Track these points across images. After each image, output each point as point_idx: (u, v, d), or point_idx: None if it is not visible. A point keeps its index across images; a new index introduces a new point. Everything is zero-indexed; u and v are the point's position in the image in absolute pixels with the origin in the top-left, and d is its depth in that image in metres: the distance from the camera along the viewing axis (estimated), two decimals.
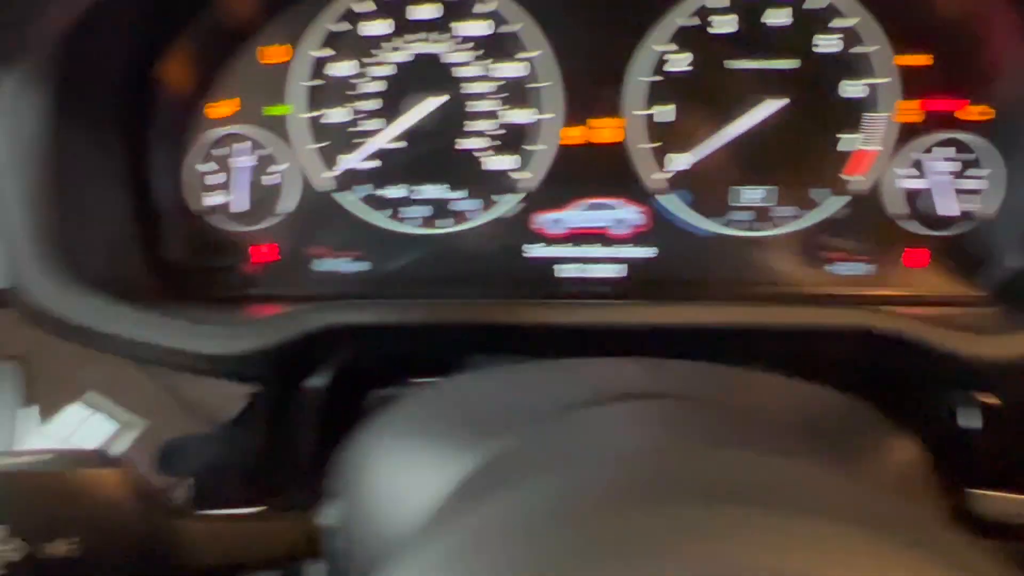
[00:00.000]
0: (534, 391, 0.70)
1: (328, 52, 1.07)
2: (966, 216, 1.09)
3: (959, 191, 1.08)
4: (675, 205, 1.10)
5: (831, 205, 1.09)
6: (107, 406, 0.93)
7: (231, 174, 1.08)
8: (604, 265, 1.11)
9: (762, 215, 1.10)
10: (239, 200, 1.08)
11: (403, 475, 0.70)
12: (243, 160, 1.08)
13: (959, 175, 1.08)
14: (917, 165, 1.08)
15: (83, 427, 0.94)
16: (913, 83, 1.06)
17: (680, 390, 0.71)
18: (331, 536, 0.72)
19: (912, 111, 1.07)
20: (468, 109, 1.08)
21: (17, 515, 0.60)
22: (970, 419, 0.90)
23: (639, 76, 1.06)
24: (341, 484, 0.79)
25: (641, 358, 0.76)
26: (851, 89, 1.07)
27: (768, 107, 1.06)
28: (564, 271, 1.11)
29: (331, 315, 0.89)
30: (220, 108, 1.07)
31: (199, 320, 0.90)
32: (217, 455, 0.92)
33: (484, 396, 0.72)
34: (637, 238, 1.11)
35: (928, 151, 1.08)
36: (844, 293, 1.10)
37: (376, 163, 1.09)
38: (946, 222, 1.08)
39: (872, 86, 1.06)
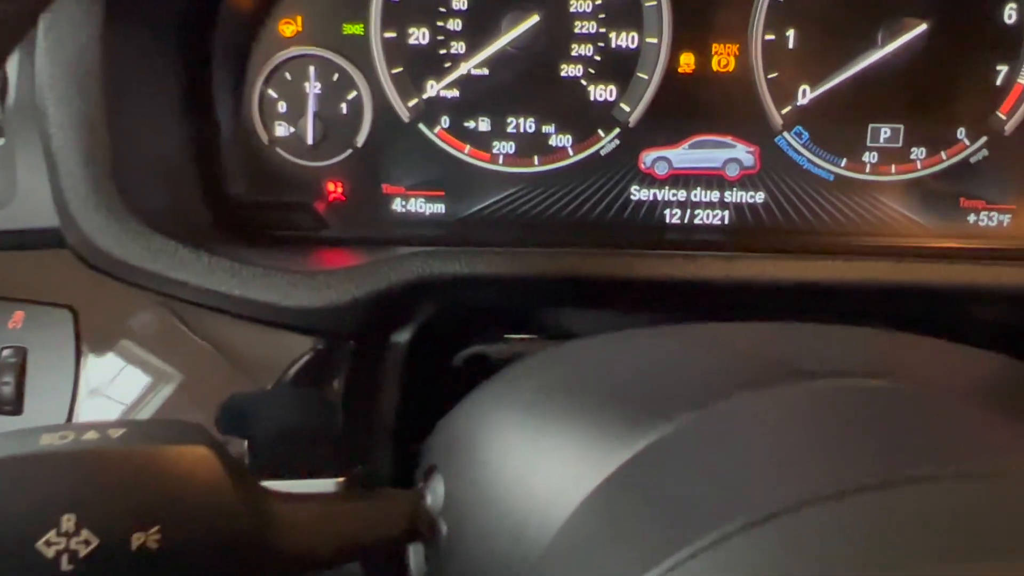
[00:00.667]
0: (689, 361, 0.59)
1: None
2: None
3: None
4: (795, 143, 0.98)
5: (973, 146, 0.97)
6: (142, 356, 0.84)
7: (301, 101, 0.97)
8: (713, 211, 1.00)
9: (892, 156, 0.98)
10: (309, 130, 0.96)
11: (531, 453, 0.60)
12: (315, 86, 0.96)
13: None
14: None
15: (118, 378, 0.85)
16: None
17: (863, 364, 0.60)
18: (440, 519, 0.63)
19: None
20: (563, 30, 0.95)
21: (87, 502, 0.50)
22: None
23: None
24: (445, 457, 0.69)
25: (795, 324, 0.66)
26: (1003, 13, 0.93)
27: (909, 31, 0.93)
28: (669, 216, 1.00)
29: (423, 265, 0.78)
30: (291, 25, 0.95)
31: (273, 267, 0.79)
32: (291, 413, 0.83)
33: (630, 364, 0.61)
34: (748, 180, 0.99)
35: None
36: (981, 247, 0.98)
37: (455, 92, 0.97)
38: None
39: None
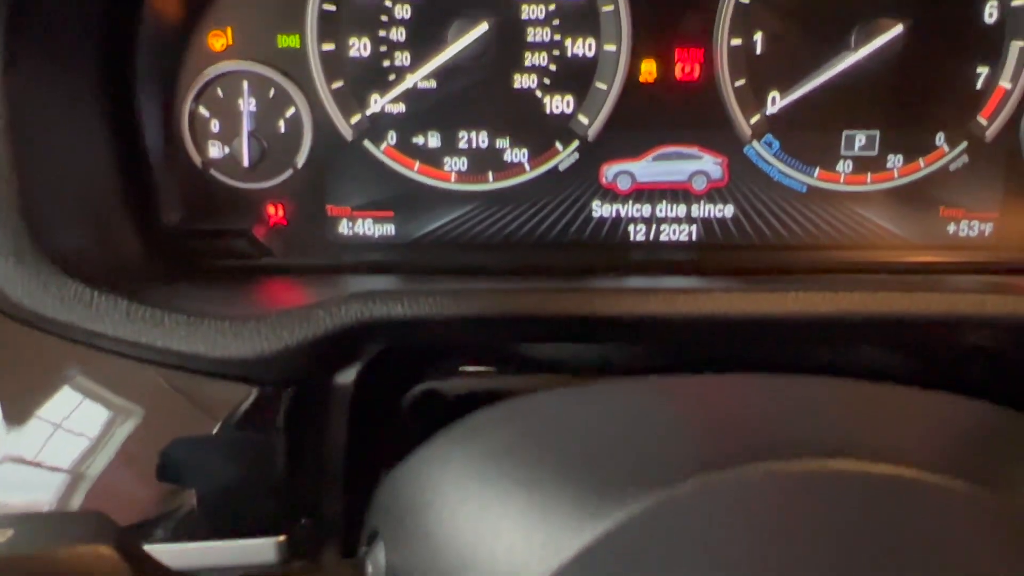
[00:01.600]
0: (646, 428, 0.54)
1: None
2: None
3: None
4: (765, 153, 0.92)
5: (952, 152, 0.92)
6: (92, 395, 0.77)
7: (235, 120, 0.90)
8: (679, 226, 0.94)
9: (867, 164, 0.92)
10: (245, 151, 0.89)
11: (478, 529, 0.54)
12: (249, 103, 0.89)
13: None
14: None
15: (72, 416, 0.78)
16: None
17: (816, 418, 0.55)
18: None
19: None
20: (515, 39, 0.89)
21: None
22: None
23: None
24: (388, 522, 0.63)
25: (765, 376, 0.60)
26: (984, 12, 0.88)
27: (884, 33, 0.87)
28: (634, 234, 0.94)
29: (362, 308, 0.72)
30: (220, 38, 0.88)
31: (203, 310, 0.73)
32: (229, 466, 0.77)
33: (587, 430, 0.55)
34: (716, 193, 0.93)
35: None
36: (962, 260, 0.93)
37: (401, 107, 0.91)
38: None
39: (1009, 8, 0.87)
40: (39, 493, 0.75)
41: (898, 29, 0.86)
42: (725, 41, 0.88)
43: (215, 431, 0.76)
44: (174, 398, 0.78)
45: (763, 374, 0.60)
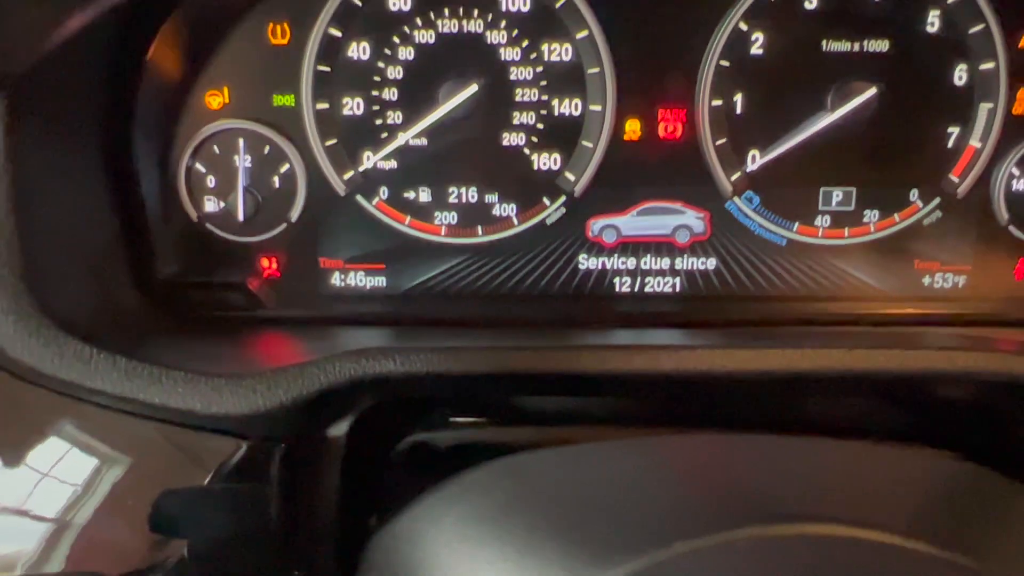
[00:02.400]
0: (628, 494, 0.56)
1: (338, 32, 0.90)
2: None
3: None
4: (746, 208, 0.95)
5: (926, 208, 0.95)
6: (91, 449, 0.79)
7: (231, 175, 0.92)
8: (663, 278, 0.96)
9: (845, 219, 0.95)
10: (240, 205, 0.92)
11: None
12: (245, 159, 0.92)
13: None
14: None
15: (61, 469, 0.79)
16: None
17: (794, 476, 0.58)
18: None
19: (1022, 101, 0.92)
20: (504, 99, 0.92)
21: None
22: None
23: (710, 60, 0.90)
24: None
25: (744, 437, 0.63)
26: (954, 75, 0.91)
27: (859, 95, 0.90)
28: (619, 286, 0.96)
29: (356, 366, 0.74)
30: (217, 97, 0.90)
31: (198, 367, 0.75)
32: (224, 520, 0.78)
33: (573, 494, 0.57)
34: (699, 246, 0.96)
35: None
36: (936, 312, 0.96)
37: (393, 163, 0.93)
38: None
39: (978, 72, 0.91)
40: (33, 543, 0.76)
41: (872, 91, 0.90)
42: (706, 102, 0.92)
43: (206, 483, 0.77)
44: (166, 450, 0.79)
45: (741, 435, 0.62)
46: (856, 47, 0.90)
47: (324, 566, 0.79)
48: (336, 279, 0.96)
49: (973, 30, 0.90)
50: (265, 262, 0.95)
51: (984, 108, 0.92)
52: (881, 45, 0.90)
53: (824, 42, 0.90)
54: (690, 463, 0.60)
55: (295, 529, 0.79)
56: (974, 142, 0.93)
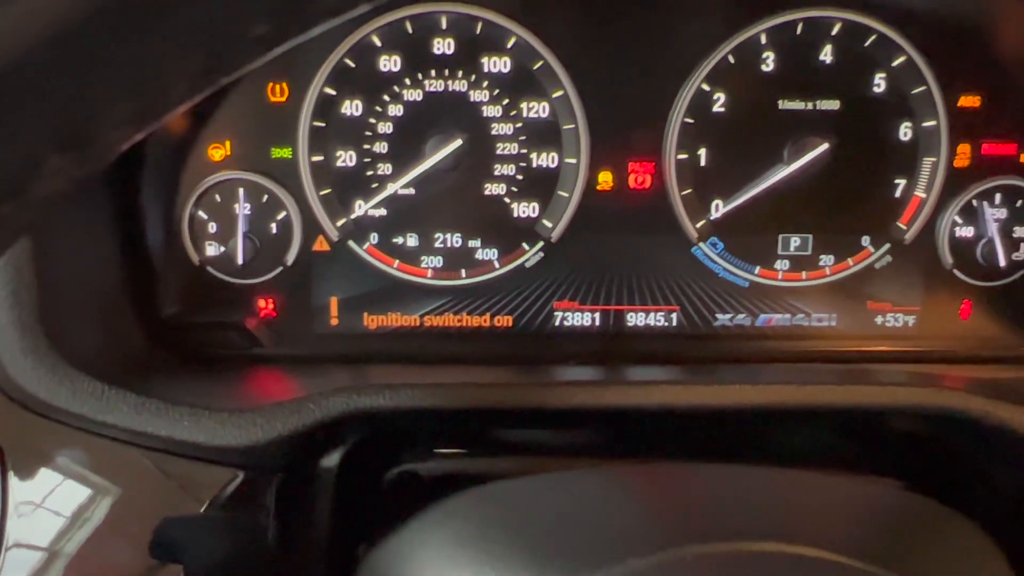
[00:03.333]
0: (588, 518, 0.62)
1: (332, 91, 0.97)
2: (1015, 266, 1.02)
3: (1010, 239, 1.02)
4: (711, 253, 1.02)
5: (877, 253, 1.02)
6: (73, 491, 0.84)
7: (231, 222, 0.99)
8: (634, 316, 1.03)
9: (802, 263, 1.03)
10: (239, 250, 0.98)
11: None
12: (244, 207, 0.98)
13: (1010, 222, 1.02)
14: (967, 212, 1.01)
15: (62, 497, 0.85)
16: (963, 126, 0.99)
17: (741, 502, 0.64)
18: None
19: (963, 155, 1.00)
20: (486, 152, 0.99)
21: None
22: None
23: (676, 117, 0.98)
24: None
25: (691, 466, 0.70)
26: (900, 132, 0.99)
27: (813, 149, 0.98)
28: (592, 326, 1.03)
29: (347, 401, 0.80)
30: (219, 150, 0.97)
31: (201, 402, 0.81)
32: (222, 545, 0.84)
33: (540, 518, 0.64)
34: (668, 289, 1.03)
35: (979, 198, 1.01)
36: (888, 349, 1.04)
37: (383, 211, 1.00)
38: (996, 272, 1.02)
39: (921, 129, 0.99)
40: (44, 562, 0.81)
41: (824, 146, 0.98)
42: (673, 155, 0.99)
43: (211, 514, 0.83)
44: (167, 481, 0.85)
45: (696, 464, 0.69)
46: (809, 106, 0.98)
47: None
48: (329, 319, 1.02)
49: (915, 91, 0.98)
50: (262, 303, 1.01)
51: (927, 162, 1.00)
52: (832, 104, 0.98)
53: (780, 101, 0.98)
54: (646, 489, 0.66)
55: (288, 554, 0.85)
56: (919, 193, 1.01)
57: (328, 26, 0.31)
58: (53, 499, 0.84)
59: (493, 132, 0.99)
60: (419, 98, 0.98)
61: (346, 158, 0.99)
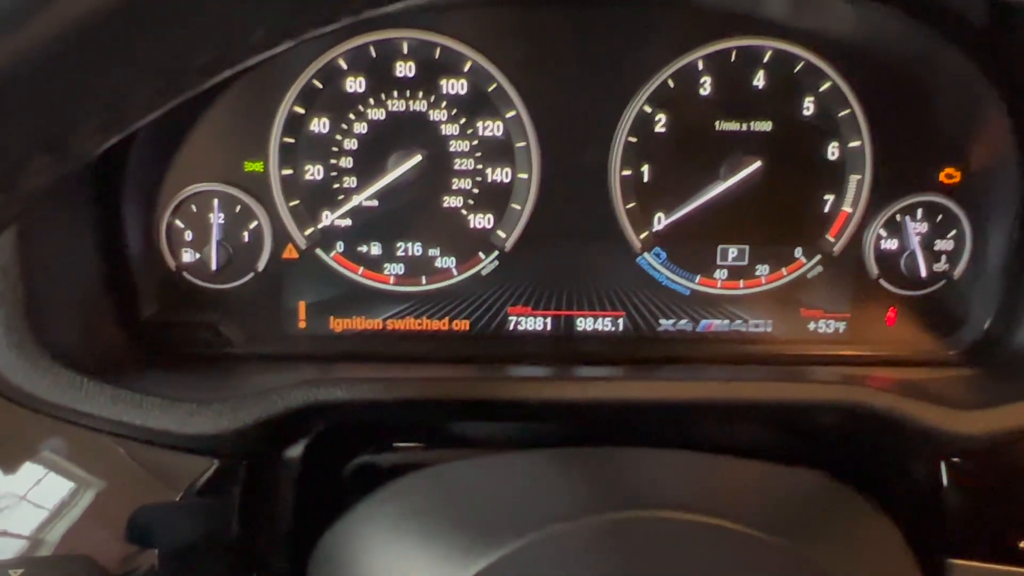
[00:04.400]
0: (511, 491, 0.70)
1: (301, 110, 1.04)
2: (937, 277, 1.10)
3: (931, 252, 1.09)
4: (654, 262, 1.10)
5: (808, 263, 1.10)
6: (69, 466, 0.90)
7: (206, 230, 1.06)
8: (583, 320, 1.11)
9: (739, 272, 1.11)
10: (214, 257, 1.05)
11: (393, 571, 0.69)
12: (219, 217, 1.06)
13: (931, 236, 1.09)
14: (891, 226, 1.09)
15: (42, 486, 0.91)
16: (886, 146, 1.07)
17: (659, 483, 0.72)
18: None
19: (885, 173, 1.08)
20: (444, 167, 1.07)
21: None
22: (949, 487, 0.91)
23: (620, 136, 1.06)
24: (323, 571, 0.78)
25: (618, 450, 0.77)
26: (827, 151, 1.07)
27: (746, 167, 1.06)
28: (543, 329, 1.11)
29: (308, 393, 0.87)
30: (196, 164, 1.05)
31: (174, 394, 0.88)
32: (187, 526, 0.90)
33: (470, 494, 0.71)
34: (615, 296, 1.11)
35: (901, 213, 1.09)
36: (820, 353, 1.11)
37: (348, 221, 1.07)
38: (918, 282, 1.10)
39: (847, 149, 1.07)
40: (23, 545, 0.87)
41: (757, 164, 1.06)
42: (617, 171, 1.07)
43: (178, 498, 0.89)
44: (143, 470, 0.91)
45: (620, 448, 0.76)
46: (744, 127, 1.06)
47: (278, 569, 0.91)
48: (297, 322, 1.09)
49: (841, 114, 1.06)
50: (235, 306, 1.08)
51: (853, 179, 1.08)
52: (765, 126, 1.06)
53: (717, 123, 1.06)
54: (571, 470, 0.74)
55: (254, 537, 0.91)
56: (846, 208, 1.09)
57: (264, 56, 0.38)
58: (35, 487, 0.90)
59: (451, 149, 1.06)
60: (382, 117, 1.05)
61: (314, 172, 1.06)
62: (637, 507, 0.64)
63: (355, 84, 1.05)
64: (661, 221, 1.09)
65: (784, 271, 1.11)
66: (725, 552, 0.65)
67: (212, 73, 0.36)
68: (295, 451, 0.93)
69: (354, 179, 1.06)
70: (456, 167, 1.07)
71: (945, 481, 0.91)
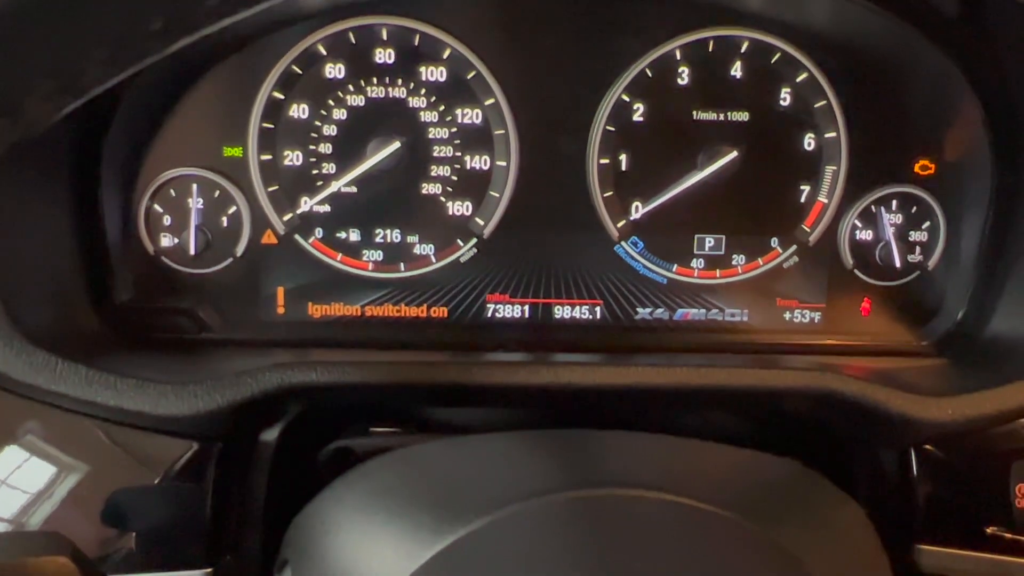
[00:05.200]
0: (479, 471, 0.70)
1: (281, 96, 1.05)
2: (911, 267, 1.11)
3: (905, 243, 1.10)
4: (632, 251, 1.10)
5: (784, 253, 1.11)
6: (47, 448, 0.91)
7: (184, 215, 1.06)
8: (560, 309, 1.11)
9: (716, 262, 1.11)
10: (192, 241, 1.05)
11: (361, 548, 0.70)
12: (197, 202, 1.06)
13: (905, 227, 1.10)
14: (866, 216, 1.10)
15: (20, 470, 0.91)
16: (862, 137, 1.08)
17: (629, 465, 0.72)
18: None
19: (860, 164, 1.09)
20: (423, 154, 1.07)
21: None
22: (918, 474, 0.92)
23: (598, 125, 1.07)
24: (295, 551, 0.78)
25: (586, 433, 0.78)
26: (804, 142, 1.08)
27: (723, 157, 1.07)
28: (520, 316, 1.11)
29: (282, 376, 0.87)
30: (175, 148, 1.05)
31: (148, 376, 0.88)
32: (164, 509, 0.91)
33: (438, 473, 0.72)
34: (592, 284, 1.11)
35: (876, 204, 1.10)
36: (795, 342, 1.12)
37: (327, 207, 1.08)
38: (893, 273, 1.11)
39: (824, 139, 1.08)
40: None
41: (734, 154, 1.06)
42: (595, 160, 1.08)
43: (155, 481, 0.89)
44: (120, 453, 0.91)
45: (587, 430, 0.76)
46: (721, 117, 1.07)
47: (252, 550, 0.92)
48: (276, 308, 1.10)
49: (817, 104, 1.07)
50: (213, 291, 1.09)
51: (829, 170, 1.09)
52: (742, 116, 1.07)
53: (694, 112, 1.07)
54: (539, 451, 0.74)
55: (228, 519, 0.92)
56: (822, 198, 1.10)
57: (218, 26, 0.38)
58: (12, 471, 0.90)
59: (430, 136, 1.07)
60: (361, 103, 1.05)
61: (293, 158, 1.06)
62: (592, 486, 0.64)
63: (334, 70, 1.05)
64: (638, 210, 1.09)
65: (760, 261, 1.12)
66: (688, 533, 0.65)
67: (168, 41, 0.36)
68: (270, 435, 0.94)
69: (333, 165, 1.07)
70: (435, 154, 1.07)
71: (915, 468, 0.92)
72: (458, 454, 0.75)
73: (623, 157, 1.08)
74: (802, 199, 1.10)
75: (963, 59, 1.01)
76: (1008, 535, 0.90)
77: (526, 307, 1.11)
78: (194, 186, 1.06)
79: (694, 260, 1.11)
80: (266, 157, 1.06)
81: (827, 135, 1.08)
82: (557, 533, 0.61)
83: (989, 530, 0.90)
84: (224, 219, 1.07)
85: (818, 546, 0.73)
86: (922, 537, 0.90)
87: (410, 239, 1.09)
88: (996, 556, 0.89)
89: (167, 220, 1.07)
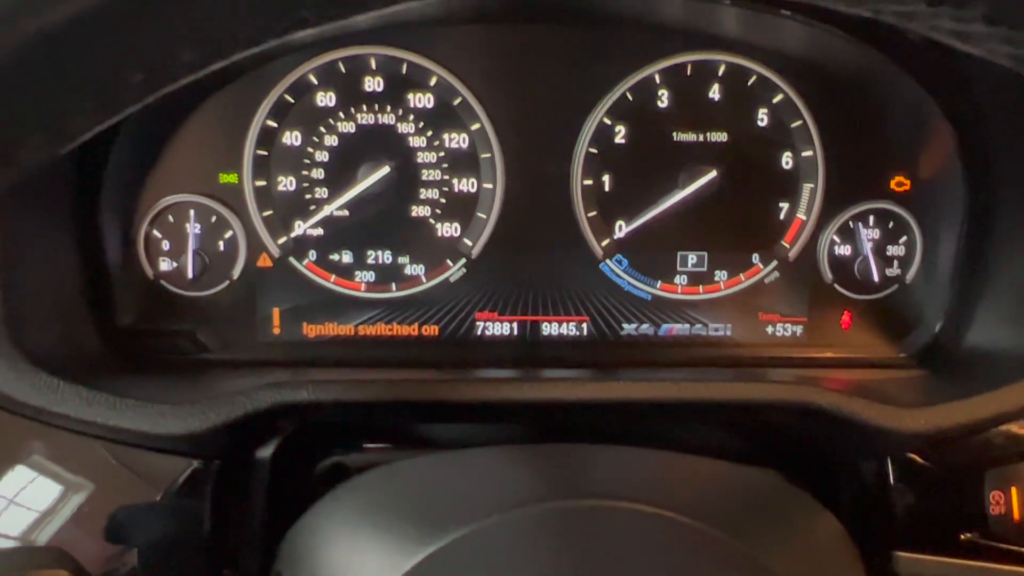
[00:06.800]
0: (464, 485, 0.73)
1: (274, 124, 1.08)
2: (889, 281, 1.14)
3: (883, 257, 1.13)
4: (616, 269, 1.14)
5: (765, 269, 1.14)
6: (52, 468, 0.94)
7: (182, 240, 1.09)
8: (548, 326, 1.14)
9: (699, 278, 1.14)
10: (190, 265, 1.09)
11: (350, 560, 0.73)
12: (195, 227, 1.09)
13: (883, 242, 1.13)
14: (844, 232, 1.13)
15: (27, 490, 0.94)
16: (838, 155, 1.11)
17: (607, 479, 0.75)
18: None
19: (837, 181, 1.12)
20: (412, 178, 1.11)
21: None
22: (896, 483, 0.94)
23: (581, 147, 1.10)
24: (289, 564, 0.81)
25: (568, 447, 0.80)
26: (781, 160, 1.12)
27: (703, 176, 1.10)
28: (509, 334, 1.14)
29: (275, 395, 0.90)
30: (173, 175, 1.09)
31: (148, 396, 0.91)
32: (165, 526, 0.94)
33: (424, 488, 0.75)
34: (579, 301, 1.14)
35: (854, 220, 1.13)
36: (778, 355, 1.15)
37: (320, 230, 1.11)
38: (872, 287, 1.14)
39: (801, 158, 1.11)
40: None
41: (713, 173, 1.10)
42: (579, 181, 1.11)
43: (156, 499, 0.92)
44: (123, 471, 0.94)
45: (567, 444, 0.79)
46: (700, 138, 1.10)
47: (249, 565, 0.95)
48: (271, 328, 1.13)
49: (794, 124, 1.10)
50: (211, 313, 1.12)
51: (807, 187, 1.12)
52: (721, 136, 1.11)
53: (674, 134, 1.11)
54: (520, 465, 0.77)
55: (227, 535, 0.95)
56: (800, 215, 1.13)
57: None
58: (17, 492, 0.93)
59: (418, 160, 1.10)
60: (352, 130, 1.09)
61: (286, 183, 1.10)
62: (564, 498, 0.67)
63: (326, 98, 1.09)
64: (622, 229, 1.13)
65: (742, 276, 1.15)
66: (660, 544, 0.68)
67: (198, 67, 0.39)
68: (266, 452, 0.97)
69: (325, 190, 1.10)
70: (424, 178, 1.11)
71: (892, 477, 0.94)
72: (441, 468, 0.78)
73: (606, 178, 1.11)
74: (781, 216, 1.13)
75: (935, 87, 1.05)
76: (982, 541, 0.92)
77: (515, 324, 1.15)
78: (191, 212, 1.10)
79: (678, 277, 1.14)
80: (261, 183, 1.10)
81: (804, 154, 1.11)
82: (533, 544, 0.64)
83: (964, 537, 0.92)
84: (221, 243, 1.11)
85: (790, 555, 0.76)
86: (900, 544, 0.93)
87: (401, 260, 1.13)
88: (971, 562, 0.92)
89: (166, 245, 1.10)
